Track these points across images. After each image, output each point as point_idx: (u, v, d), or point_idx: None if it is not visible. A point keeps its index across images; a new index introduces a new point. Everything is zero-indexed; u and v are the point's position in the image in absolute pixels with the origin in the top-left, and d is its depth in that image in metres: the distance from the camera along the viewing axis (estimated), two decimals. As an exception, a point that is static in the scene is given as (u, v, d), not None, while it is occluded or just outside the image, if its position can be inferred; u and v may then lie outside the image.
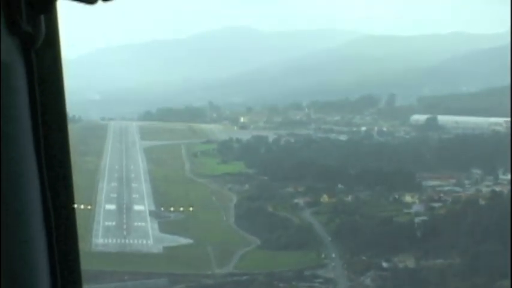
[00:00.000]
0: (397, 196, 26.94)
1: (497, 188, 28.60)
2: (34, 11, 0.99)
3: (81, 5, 0.99)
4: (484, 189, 27.90)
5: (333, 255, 22.29)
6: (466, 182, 29.49)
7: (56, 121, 1.10)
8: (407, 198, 26.59)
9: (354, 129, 40.65)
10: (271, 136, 36.74)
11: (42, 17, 1.01)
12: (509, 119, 33.69)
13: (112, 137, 29.11)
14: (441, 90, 49.68)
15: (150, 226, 25.99)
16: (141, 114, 43.41)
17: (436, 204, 25.84)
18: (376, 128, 40.69)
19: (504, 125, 36.57)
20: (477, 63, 53.78)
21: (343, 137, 37.92)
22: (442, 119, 42.57)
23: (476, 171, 30.44)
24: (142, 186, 25.96)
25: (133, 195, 26.99)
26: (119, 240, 23.43)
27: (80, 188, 20.33)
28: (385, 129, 40.85)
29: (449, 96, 46.59)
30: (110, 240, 23.00)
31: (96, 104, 47.30)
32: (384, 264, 20.79)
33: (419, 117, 42.89)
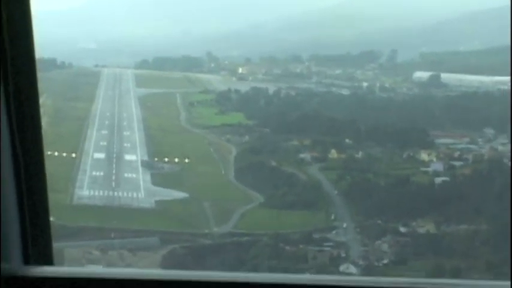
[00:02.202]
0: (411, 153, 24.92)
1: (507, 149, 27.17)
2: None
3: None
4: (500, 148, 26.21)
5: (345, 217, 20.70)
6: (480, 140, 27.65)
7: (25, 68, 1.11)
8: (423, 156, 24.57)
9: (356, 84, 39.05)
10: (271, 88, 35.12)
11: None
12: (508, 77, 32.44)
13: (105, 84, 27.45)
14: (441, 49, 48.72)
15: (142, 178, 22.75)
16: (138, 63, 42.61)
17: (457, 163, 23.98)
18: (378, 84, 39.14)
19: (509, 83, 34.69)
20: (475, 23, 52.38)
21: (345, 91, 36.07)
22: (445, 76, 40.94)
23: (489, 130, 28.61)
24: (135, 135, 24.30)
25: (125, 144, 23.87)
26: (106, 193, 20.67)
27: (66, 135, 17.97)
28: (387, 85, 39.22)
29: (450, 53, 45.06)
30: (96, 193, 20.22)
31: (92, 52, 45.41)
32: (402, 229, 19.14)
33: (422, 74, 41.24)
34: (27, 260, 1.15)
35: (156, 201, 20.93)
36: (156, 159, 27.69)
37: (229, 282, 0.93)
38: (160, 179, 24.79)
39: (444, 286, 0.92)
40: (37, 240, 1.20)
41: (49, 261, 1.24)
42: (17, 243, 1.13)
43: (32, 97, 1.22)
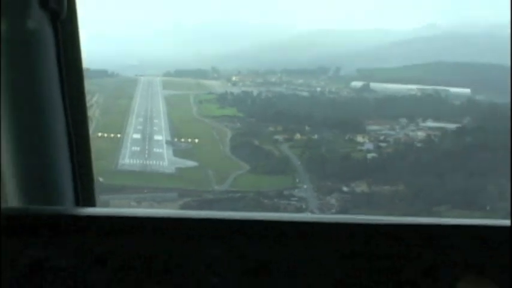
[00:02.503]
0: (351, 137, 24.90)
1: (419, 133, 27.46)
2: None
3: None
4: (411, 133, 26.45)
5: (305, 180, 20.79)
6: (397, 127, 27.77)
7: (75, 78, 1.09)
8: (359, 139, 24.61)
9: (312, 89, 39.08)
10: (255, 91, 35.01)
11: None
12: (420, 86, 32.66)
13: (141, 87, 27.39)
14: (371, 66, 48.97)
15: (166, 152, 22.77)
16: (164, 73, 42.72)
17: (382, 144, 24.10)
18: (327, 89, 39.20)
19: (416, 90, 34.56)
20: (394, 49, 52.44)
21: (305, 94, 36.10)
22: (373, 85, 41.06)
23: (403, 120, 28.74)
24: (162, 122, 24.28)
25: (154, 128, 23.86)
26: (141, 162, 20.81)
27: (113, 122, 17.79)
28: (333, 90, 39.29)
29: (377, 69, 45.21)
30: (134, 161, 20.28)
31: (133, 67, 45.22)
32: (344, 188, 19.20)
33: (357, 83, 41.25)
34: (77, 204, 1.14)
35: (175, 168, 20.88)
36: (175, 139, 27.65)
37: (227, 219, 0.84)
38: (178, 153, 24.71)
39: (439, 224, 0.72)
40: (84, 191, 1.16)
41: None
42: (70, 191, 1.10)
43: (81, 97, 1.14)
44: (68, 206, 0.98)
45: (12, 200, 0.95)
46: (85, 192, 1.11)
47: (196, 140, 26.94)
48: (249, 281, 0.70)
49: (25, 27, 0.86)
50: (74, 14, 0.91)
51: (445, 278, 0.71)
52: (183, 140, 27.53)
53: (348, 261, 0.71)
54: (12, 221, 0.70)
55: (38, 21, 0.84)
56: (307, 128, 28.34)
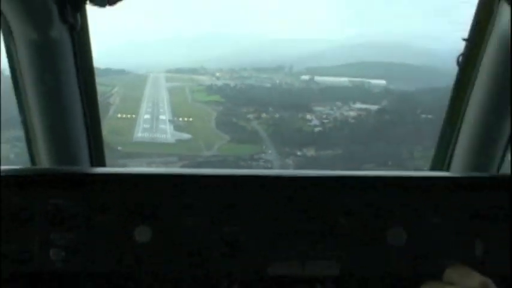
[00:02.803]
0: (302, 115, 24.95)
1: (351, 112, 27.38)
2: (73, 8, 0.85)
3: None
4: (345, 113, 26.38)
5: (270, 147, 20.65)
6: (334, 108, 27.79)
7: (88, 75, 0.93)
8: (308, 116, 24.63)
9: (273, 82, 39.09)
10: (232, 83, 34.97)
11: (78, 13, 0.87)
12: (350, 78, 32.49)
13: (150, 81, 27.01)
14: (316, 64, 48.93)
15: (168, 127, 22.46)
16: (167, 70, 42.56)
17: (325, 121, 24.16)
18: (284, 82, 39.23)
19: (347, 81, 34.47)
20: (332, 52, 52.36)
21: (268, 85, 36.19)
22: (317, 78, 41.18)
23: (339, 103, 28.76)
24: (165, 105, 23.97)
25: (160, 110, 23.55)
26: (150, 135, 20.55)
27: (129, 106, 17.43)
28: (288, 81, 39.41)
29: (320, 67, 45.27)
30: (145, 135, 19.99)
31: (144, 67, 44.55)
32: (298, 153, 19.06)
33: (306, 77, 41.31)
34: (91, 165, 1.01)
35: (175, 139, 20.57)
36: (175, 118, 27.46)
37: (213, 175, 0.74)
38: (177, 128, 24.43)
39: (367, 176, 0.71)
40: (97, 155, 1.02)
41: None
42: (86, 154, 0.98)
43: (92, 93, 0.97)
44: (83, 166, 0.95)
45: (41, 161, 0.94)
46: (97, 156, 1.01)
47: (191, 119, 26.63)
48: (220, 220, 0.68)
49: (49, 37, 0.83)
50: (86, 27, 0.89)
51: (376, 226, 0.69)
52: (181, 119, 27.21)
53: (294, 206, 0.69)
54: (42, 177, 0.69)
55: (59, 32, 0.81)
56: (270, 109, 28.12)
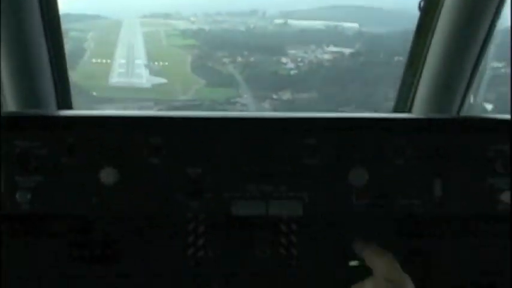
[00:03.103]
0: (277, 59, 24.68)
1: (325, 55, 27.19)
2: None
3: None
4: (319, 56, 26.25)
5: (246, 91, 20.55)
6: (309, 51, 27.58)
7: (53, 17, 0.85)
8: (283, 60, 24.40)
9: (247, 26, 38.68)
10: (207, 28, 34.55)
11: None
12: (323, 22, 32.25)
13: (125, 26, 26.53)
14: (289, 9, 48.38)
15: (144, 72, 22.16)
16: (142, 15, 41.76)
17: (300, 64, 23.96)
18: (258, 25, 38.80)
19: (321, 24, 34.17)
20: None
21: (243, 29, 35.78)
22: (291, 21, 40.77)
23: (313, 46, 28.54)
24: (141, 50, 23.64)
25: (135, 54, 23.21)
26: (126, 79, 20.27)
27: (104, 51, 17.15)
28: (262, 25, 38.98)
29: (294, 11, 44.82)
30: (121, 79, 19.72)
31: (120, 12, 43.73)
32: (274, 96, 19.03)
33: (279, 21, 40.88)
34: (58, 108, 1.00)
35: (151, 84, 20.39)
36: (151, 62, 27.04)
37: (190, 117, 0.75)
38: (153, 72, 24.12)
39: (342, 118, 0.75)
40: (63, 97, 1.01)
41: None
42: (52, 95, 0.97)
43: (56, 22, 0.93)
44: (50, 109, 0.95)
45: (8, 104, 0.94)
46: (64, 99, 1.01)
47: (166, 63, 26.33)
48: (185, 161, 0.70)
49: None
50: None
51: (338, 166, 0.71)
52: (156, 63, 26.88)
53: (258, 148, 0.71)
54: (9, 120, 0.69)
55: None
56: (245, 53, 27.82)
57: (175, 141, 0.71)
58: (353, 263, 0.80)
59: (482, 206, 0.70)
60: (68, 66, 1.07)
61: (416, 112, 1.04)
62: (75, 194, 0.70)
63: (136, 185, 0.70)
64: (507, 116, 0.76)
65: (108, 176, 0.69)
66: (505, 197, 0.71)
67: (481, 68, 0.99)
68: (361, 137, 0.72)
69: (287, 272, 0.75)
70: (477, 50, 0.95)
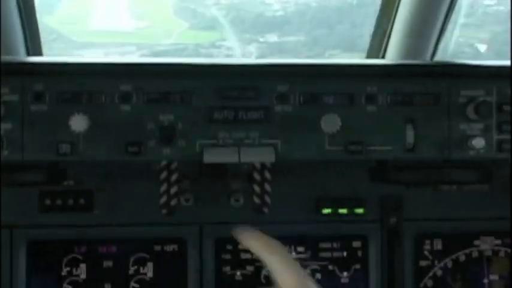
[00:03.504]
0: (262, 0, 24.54)
1: None
2: None
3: None
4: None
5: (230, 35, 20.35)
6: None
7: None
8: (269, 1, 24.19)
9: None
10: None
11: None
12: None
13: None
14: None
15: (126, 15, 21.91)
16: None
17: (287, 5, 23.76)
18: None
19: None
20: None
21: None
22: None
23: None
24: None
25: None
26: (107, 24, 19.87)
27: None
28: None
29: None
30: (102, 23, 19.37)
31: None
32: (260, 39, 18.90)
33: None
34: (28, 54, 0.96)
35: (134, 28, 20.17)
36: (133, 5, 26.77)
37: (172, 63, 0.71)
38: (135, 16, 23.93)
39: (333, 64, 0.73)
40: (33, 44, 0.99)
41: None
42: (21, 41, 0.94)
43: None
44: (19, 56, 0.94)
45: None
46: (33, 45, 0.99)
47: (149, 6, 26.09)
48: (157, 108, 0.71)
49: None
50: None
51: (310, 113, 0.72)
52: (138, 6, 26.60)
53: (230, 95, 0.72)
54: None
55: None
56: (231, -5, 27.87)
57: (146, 88, 0.71)
58: (326, 210, 0.81)
59: (454, 152, 0.72)
60: (44, 11, 1.05)
61: (390, 58, 1.04)
62: (45, 142, 0.70)
63: (108, 132, 0.70)
64: (478, 62, 0.76)
65: (78, 123, 0.69)
66: (476, 142, 0.72)
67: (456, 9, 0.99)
68: (333, 83, 0.72)
69: (260, 220, 0.76)
70: None
